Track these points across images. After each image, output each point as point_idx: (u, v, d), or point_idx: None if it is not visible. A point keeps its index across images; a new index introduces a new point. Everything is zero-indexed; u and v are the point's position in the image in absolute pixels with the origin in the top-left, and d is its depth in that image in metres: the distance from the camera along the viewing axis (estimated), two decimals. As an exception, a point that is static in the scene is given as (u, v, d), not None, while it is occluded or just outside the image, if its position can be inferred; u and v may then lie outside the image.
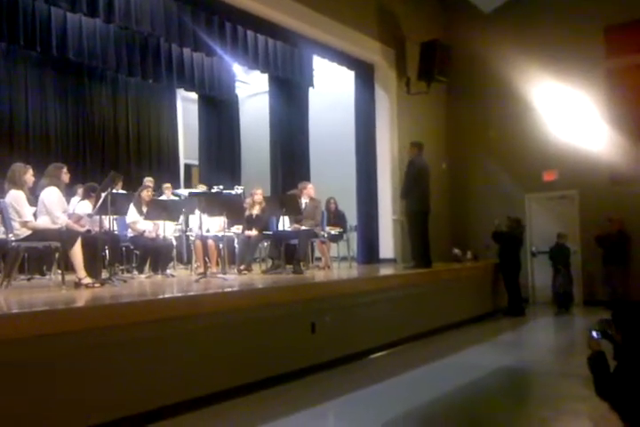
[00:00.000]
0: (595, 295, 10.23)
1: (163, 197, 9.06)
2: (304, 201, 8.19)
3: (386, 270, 8.69)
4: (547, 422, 4.29)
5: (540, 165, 11.06)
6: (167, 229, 7.77)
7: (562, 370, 6.03)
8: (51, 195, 5.63)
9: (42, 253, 6.86)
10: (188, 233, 8.49)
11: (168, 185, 9.69)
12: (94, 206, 6.17)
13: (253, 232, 8.16)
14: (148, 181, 8.78)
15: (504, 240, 9.89)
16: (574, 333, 8.56)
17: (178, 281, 6.93)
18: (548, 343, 7.94)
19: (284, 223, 8.16)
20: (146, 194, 7.69)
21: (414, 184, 8.29)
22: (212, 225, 8.25)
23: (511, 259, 9.86)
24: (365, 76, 10.59)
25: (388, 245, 10.45)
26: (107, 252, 6.75)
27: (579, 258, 10.72)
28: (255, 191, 8.67)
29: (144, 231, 7.49)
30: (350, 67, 10.37)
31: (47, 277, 7.04)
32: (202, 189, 9.43)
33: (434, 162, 10.58)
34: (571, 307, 10.08)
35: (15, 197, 5.43)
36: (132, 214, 7.41)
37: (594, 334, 3.02)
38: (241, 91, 13.01)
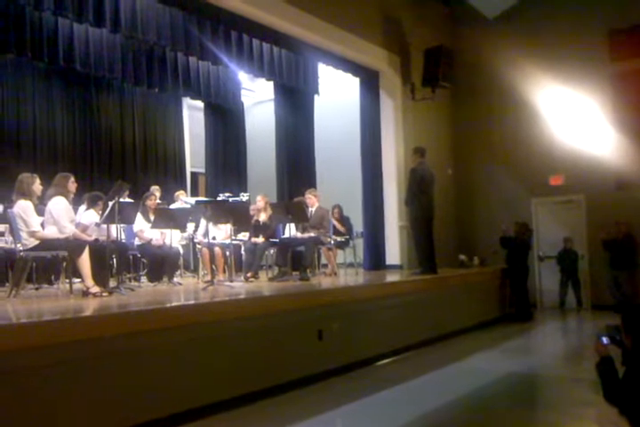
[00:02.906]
0: (602, 300, 10.16)
1: (176, 205, 9.10)
2: (311, 209, 8.20)
3: (392, 277, 8.69)
4: (556, 426, 4.27)
5: (545, 169, 11.04)
6: (174, 237, 7.80)
7: (570, 375, 6.01)
8: (58, 204, 5.66)
9: (50, 262, 6.89)
10: (195, 241, 8.51)
11: (181, 192, 9.73)
12: (101, 215, 6.20)
13: (260, 239, 8.18)
14: (155, 189, 8.82)
15: (512, 245, 9.86)
16: (582, 338, 8.51)
17: (185, 289, 6.94)
18: (556, 349, 7.90)
19: (291, 230, 8.18)
20: (151, 202, 7.72)
21: (417, 191, 8.28)
22: (219, 233, 8.27)
23: (519, 264, 9.83)
24: (370, 82, 10.62)
25: (394, 251, 10.43)
26: (114, 260, 6.78)
27: (586, 262, 10.69)
28: (257, 198, 8.68)
29: (151, 240, 7.51)
30: (355, 74, 10.40)
31: (55, 286, 7.06)
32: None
33: (439, 168, 10.58)
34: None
35: (23, 207, 5.47)
36: (140, 223, 7.44)
37: (603, 339, 3.01)
38: (246, 99, 13.06)
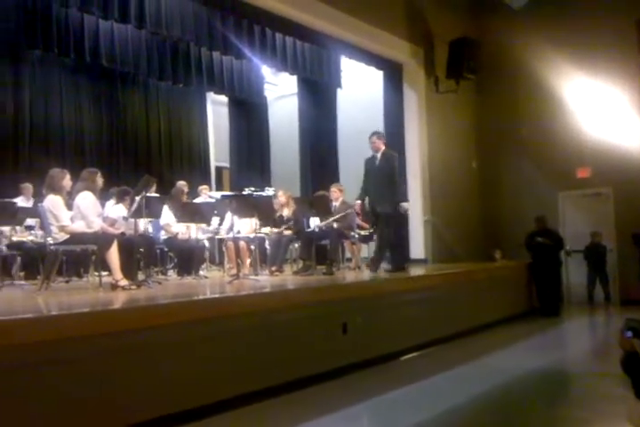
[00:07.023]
0: (632, 295, 10.01)
1: (199, 199, 9.15)
2: (334, 204, 8.20)
3: (416, 271, 8.65)
4: (584, 423, 4.23)
5: (573, 162, 10.88)
6: (199, 231, 7.86)
7: (598, 370, 5.93)
8: (85, 199, 5.75)
9: (79, 256, 6.99)
10: (217, 237, 8.56)
11: (205, 187, 9.79)
12: (129, 210, 6.28)
13: (284, 233, 8.20)
14: (182, 185, 8.85)
15: (541, 250, 9.68)
16: (610, 333, 8.40)
17: (211, 283, 7.01)
18: (583, 344, 7.82)
19: (315, 224, 8.19)
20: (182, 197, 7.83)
21: (398, 179, 7.64)
22: (244, 227, 8.32)
23: (550, 257, 9.66)
24: (394, 75, 10.57)
25: (418, 245, 10.41)
26: (142, 254, 6.86)
27: (614, 257, 10.53)
28: (278, 193, 8.70)
29: (177, 233, 7.59)
30: (378, 67, 10.36)
31: (85, 279, 7.18)
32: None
33: (464, 161, 10.50)
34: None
35: (53, 201, 5.57)
36: (166, 217, 7.51)
37: (627, 333, 2.97)
38: (270, 93, 13.08)
